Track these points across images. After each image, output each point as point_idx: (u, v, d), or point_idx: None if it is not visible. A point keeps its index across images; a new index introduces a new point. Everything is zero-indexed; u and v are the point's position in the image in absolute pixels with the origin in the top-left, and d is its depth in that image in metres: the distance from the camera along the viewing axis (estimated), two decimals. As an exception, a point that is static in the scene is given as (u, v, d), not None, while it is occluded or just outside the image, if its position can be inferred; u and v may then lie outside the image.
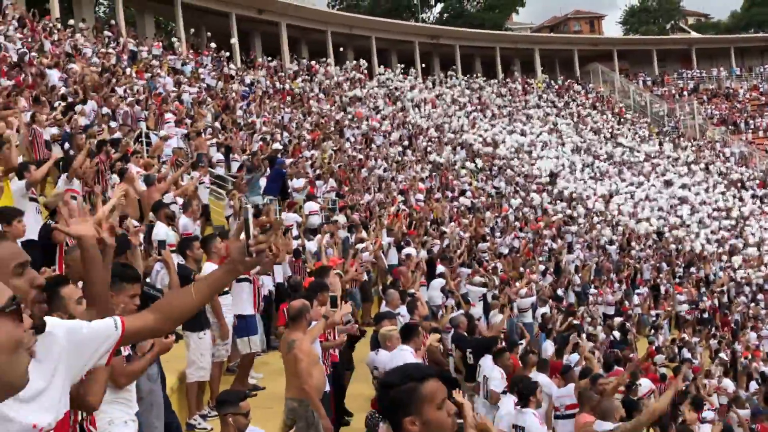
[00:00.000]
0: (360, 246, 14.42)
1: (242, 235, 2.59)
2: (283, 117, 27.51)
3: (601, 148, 42.06)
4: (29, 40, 22.85)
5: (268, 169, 17.70)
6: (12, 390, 1.83)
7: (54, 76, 18.97)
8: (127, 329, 2.44)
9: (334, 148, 25.54)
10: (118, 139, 14.07)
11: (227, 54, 35.03)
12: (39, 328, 1.91)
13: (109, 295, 3.08)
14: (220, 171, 18.47)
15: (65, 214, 3.26)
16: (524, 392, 7.78)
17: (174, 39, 34.87)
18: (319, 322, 7.20)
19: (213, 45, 34.49)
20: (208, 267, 8.27)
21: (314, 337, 7.11)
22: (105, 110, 17.23)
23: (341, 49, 44.19)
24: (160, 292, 5.91)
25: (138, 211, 10.88)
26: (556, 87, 51.84)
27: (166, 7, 37.46)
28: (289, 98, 31.60)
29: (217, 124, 21.73)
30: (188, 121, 20.16)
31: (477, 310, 14.16)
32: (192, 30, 37.11)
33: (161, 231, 9.34)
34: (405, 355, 7.37)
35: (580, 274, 22.99)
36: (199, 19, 39.06)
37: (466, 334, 11.23)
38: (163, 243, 8.98)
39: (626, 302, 22.92)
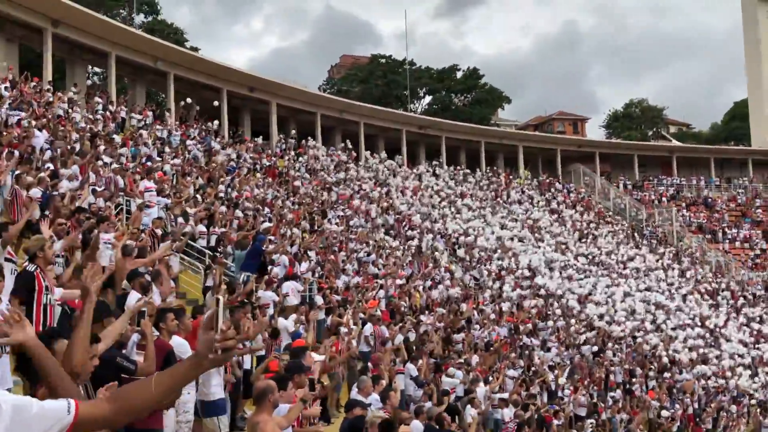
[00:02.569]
0: (342, 330, 14.22)
1: (210, 331, 2.44)
2: (266, 194, 27.54)
3: (579, 248, 42.29)
4: (18, 101, 22.89)
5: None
6: None
7: (41, 138, 18.95)
8: (81, 416, 2.29)
9: (316, 228, 25.50)
10: (91, 205, 13.93)
11: (215, 127, 35.31)
12: None
13: (67, 379, 3.01)
14: (201, 243, 18.30)
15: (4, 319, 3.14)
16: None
17: (167, 111, 35.12)
18: (296, 406, 6.99)
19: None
20: (178, 341, 8.09)
21: (291, 420, 6.90)
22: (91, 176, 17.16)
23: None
24: (134, 364, 5.72)
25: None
26: (539, 184, 52.48)
27: (158, 78, 37.89)
28: (270, 177, 31.70)
29: (198, 197, 21.67)
30: (170, 191, 20.10)
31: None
32: (182, 102, 37.49)
33: (134, 299, 9.15)
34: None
35: (555, 373, 22.75)
36: (190, 92, 39.47)
37: (437, 426, 11.00)
38: (142, 313, 8.79)
39: (599, 404, 22.63)
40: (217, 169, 26.71)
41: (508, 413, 15.24)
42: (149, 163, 22.25)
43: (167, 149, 26.51)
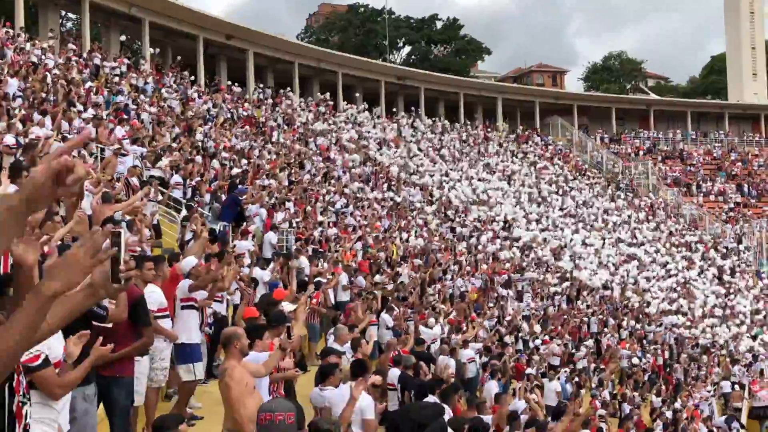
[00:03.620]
0: (319, 279, 14.28)
1: (108, 261, 2.35)
2: (243, 144, 27.33)
3: (556, 200, 42.54)
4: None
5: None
6: None
7: (14, 85, 18.64)
8: None
9: (293, 180, 25.41)
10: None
11: (191, 77, 34.87)
12: None
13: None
14: (177, 194, 18.16)
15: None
16: None
17: (142, 59, 34.53)
18: (274, 353, 7.04)
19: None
20: (149, 289, 8.08)
21: (269, 368, 6.96)
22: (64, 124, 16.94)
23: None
24: (104, 310, 5.70)
25: (88, 229, 10.60)
26: (517, 136, 52.55)
27: (133, 25, 37.18)
28: (250, 126, 31.44)
29: (174, 146, 21.46)
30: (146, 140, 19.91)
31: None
32: (158, 50, 36.88)
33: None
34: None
35: (528, 323, 23.05)
36: (166, 40, 38.87)
37: (412, 374, 11.15)
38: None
39: (573, 354, 23.00)
40: (194, 119, 26.44)
41: (467, 353, 15.28)
42: (124, 112, 21.98)
43: (142, 97, 26.17)
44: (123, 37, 36.79)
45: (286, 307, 8.25)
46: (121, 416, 6.64)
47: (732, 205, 52.31)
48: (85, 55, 29.22)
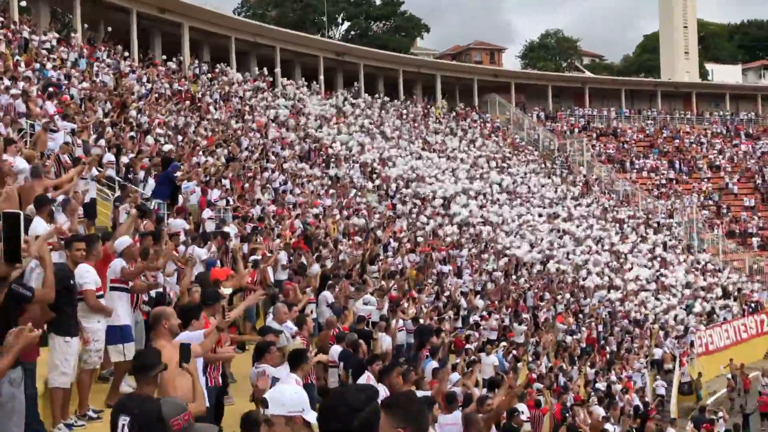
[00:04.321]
0: (255, 258, 14.12)
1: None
2: (178, 120, 26.82)
3: (494, 177, 42.88)
4: None
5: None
6: None
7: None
8: None
9: (230, 156, 25.06)
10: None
11: (125, 53, 34.06)
12: None
13: None
14: (110, 172, 17.69)
15: None
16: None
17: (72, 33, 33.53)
18: (212, 333, 6.94)
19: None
20: (84, 268, 7.90)
21: (206, 348, 6.88)
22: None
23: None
24: (30, 291, 5.52)
25: (18, 206, 10.27)
26: (456, 113, 52.80)
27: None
28: (187, 102, 30.84)
29: (106, 122, 20.94)
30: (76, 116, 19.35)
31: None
32: (86, 25, 35.80)
33: (40, 227, 8.84)
34: (291, 381, 7.18)
35: (467, 299, 23.26)
36: (98, 13, 37.80)
37: (352, 351, 11.15)
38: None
39: (511, 328, 23.30)
40: (127, 94, 25.81)
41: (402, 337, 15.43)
42: (52, 88, 21.32)
43: (74, 72, 25.43)
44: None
45: (222, 289, 8.14)
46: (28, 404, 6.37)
47: (664, 181, 53.57)
48: (12, 27, 28.23)
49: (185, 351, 5.51)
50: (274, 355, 7.89)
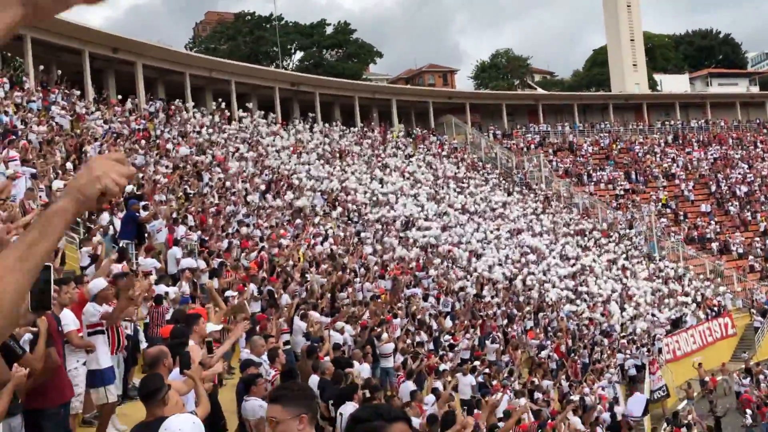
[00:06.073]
0: (229, 293, 14.11)
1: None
2: (137, 158, 26.66)
3: (454, 198, 43.24)
4: None
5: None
6: None
7: None
8: None
9: (192, 192, 25.00)
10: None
11: (78, 92, 33.84)
12: None
13: None
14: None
15: None
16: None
17: (24, 77, 33.25)
18: (196, 368, 6.95)
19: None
20: (63, 314, 7.88)
21: (190, 385, 6.87)
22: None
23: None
24: (23, 350, 5.52)
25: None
26: (413, 137, 53.21)
27: (14, 41, 35.78)
28: (144, 140, 30.67)
29: (69, 165, 20.82)
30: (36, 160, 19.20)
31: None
32: (41, 67, 35.55)
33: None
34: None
35: (437, 320, 23.39)
36: (50, 55, 37.53)
37: (330, 380, 11.18)
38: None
39: (483, 346, 23.47)
40: (85, 136, 25.64)
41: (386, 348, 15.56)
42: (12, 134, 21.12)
43: (30, 116, 25.21)
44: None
45: (209, 327, 8.14)
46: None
47: (621, 192, 54.45)
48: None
49: (185, 357, 5.58)
50: (261, 388, 7.92)
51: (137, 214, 17.53)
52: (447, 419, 10.74)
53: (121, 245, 14.67)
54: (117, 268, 11.35)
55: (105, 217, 18.04)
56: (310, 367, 11.29)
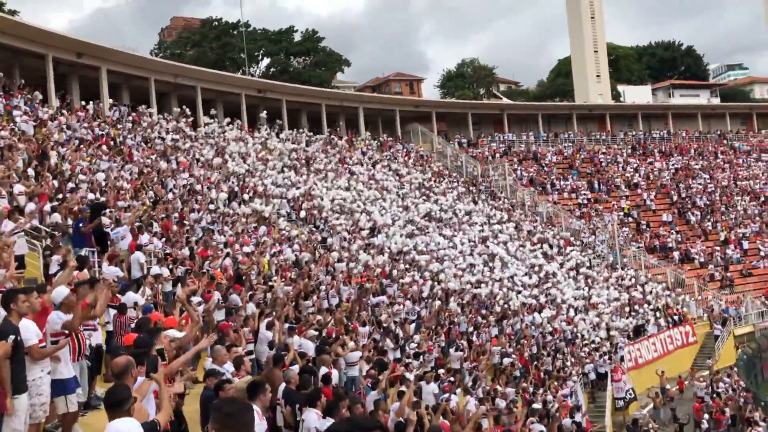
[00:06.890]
0: (195, 300, 14.05)
1: None
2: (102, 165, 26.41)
3: (420, 206, 43.39)
4: None
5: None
6: None
7: None
8: None
9: (155, 200, 24.82)
10: None
11: (40, 97, 33.44)
12: None
13: None
14: (34, 221, 17.36)
15: None
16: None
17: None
18: (144, 380, 6.93)
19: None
20: (24, 324, 7.80)
21: (142, 394, 6.85)
22: None
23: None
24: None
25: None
26: (380, 144, 53.33)
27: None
28: (104, 147, 30.37)
29: (30, 171, 20.57)
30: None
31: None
32: (1, 73, 35.02)
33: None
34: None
35: (403, 328, 23.45)
36: (12, 59, 37.03)
37: (295, 389, 11.16)
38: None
39: (447, 354, 23.57)
40: (47, 141, 25.34)
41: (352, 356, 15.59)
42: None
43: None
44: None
45: (172, 333, 8.11)
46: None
47: (584, 201, 55.07)
48: None
49: (152, 362, 5.58)
50: (229, 393, 7.88)
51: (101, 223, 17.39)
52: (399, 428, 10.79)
53: (81, 254, 14.52)
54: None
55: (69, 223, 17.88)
56: (280, 376, 11.27)
